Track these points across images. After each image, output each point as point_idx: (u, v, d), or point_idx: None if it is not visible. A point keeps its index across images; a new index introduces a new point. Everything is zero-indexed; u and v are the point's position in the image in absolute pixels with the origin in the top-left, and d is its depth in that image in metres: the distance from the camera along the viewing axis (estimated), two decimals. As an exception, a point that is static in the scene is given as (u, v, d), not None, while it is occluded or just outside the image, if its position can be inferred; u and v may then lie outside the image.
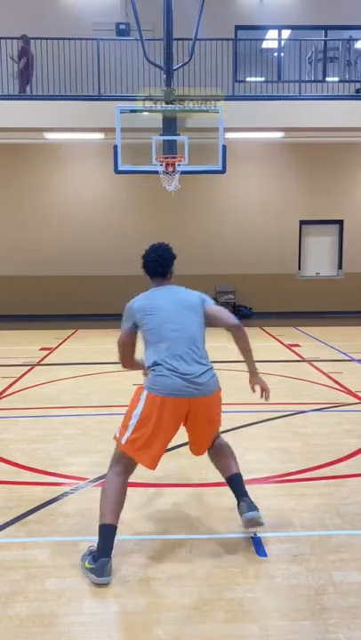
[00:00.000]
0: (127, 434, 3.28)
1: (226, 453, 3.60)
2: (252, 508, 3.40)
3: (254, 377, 3.66)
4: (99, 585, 3.05)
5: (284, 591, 3.00)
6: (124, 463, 3.33)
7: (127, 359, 3.76)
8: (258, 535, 3.55)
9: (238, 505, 3.46)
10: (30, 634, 2.70)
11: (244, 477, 4.46)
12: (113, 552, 3.15)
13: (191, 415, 3.35)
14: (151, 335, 3.45)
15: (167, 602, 2.92)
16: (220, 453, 3.60)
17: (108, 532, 3.17)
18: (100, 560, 3.10)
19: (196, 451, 3.60)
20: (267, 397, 3.63)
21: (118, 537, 3.54)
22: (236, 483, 3.54)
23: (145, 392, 3.33)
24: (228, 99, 11.65)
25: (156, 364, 3.36)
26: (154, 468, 3.37)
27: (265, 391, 3.62)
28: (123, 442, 3.29)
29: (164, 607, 2.88)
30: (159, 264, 3.78)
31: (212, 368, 3.50)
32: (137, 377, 5.30)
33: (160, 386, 3.28)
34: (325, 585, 3.05)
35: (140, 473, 4.59)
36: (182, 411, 3.31)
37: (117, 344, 3.72)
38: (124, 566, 3.24)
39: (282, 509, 3.92)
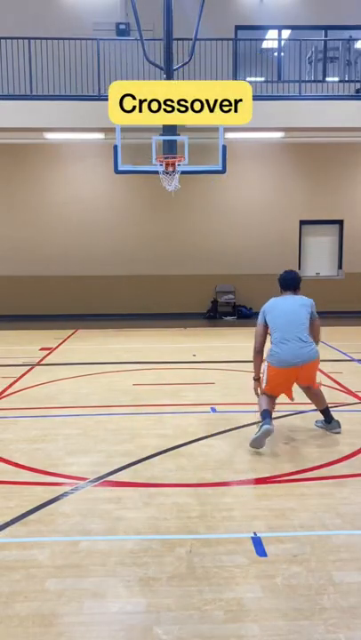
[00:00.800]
0: (263, 385, 5.29)
1: (318, 396, 5.52)
2: (336, 426, 5.54)
3: None
4: (267, 430, 4.87)
5: (284, 591, 3.00)
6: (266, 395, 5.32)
7: (257, 345, 5.36)
8: (258, 535, 3.55)
9: (329, 423, 5.55)
10: (30, 634, 2.70)
11: (243, 477, 4.53)
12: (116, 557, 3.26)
13: (299, 376, 5.26)
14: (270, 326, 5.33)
15: (167, 602, 2.92)
16: (315, 397, 5.52)
17: (266, 414, 5.07)
18: (263, 421, 5.02)
19: (306, 389, 5.51)
20: None
21: (118, 537, 3.57)
22: (325, 413, 5.55)
23: (266, 363, 5.25)
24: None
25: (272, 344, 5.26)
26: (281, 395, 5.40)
27: None
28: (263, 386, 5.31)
29: (164, 607, 2.88)
30: (290, 283, 5.59)
31: (311, 343, 5.25)
32: (136, 377, 5.31)
33: (274, 360, 5.19)
34: (325, 585, 3.05)
35: (140, 473, 4.61)
36: (292, 374, 5.22)
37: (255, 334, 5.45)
38: (124, 566, 3.24)
39: (282, 509, 3.92)
